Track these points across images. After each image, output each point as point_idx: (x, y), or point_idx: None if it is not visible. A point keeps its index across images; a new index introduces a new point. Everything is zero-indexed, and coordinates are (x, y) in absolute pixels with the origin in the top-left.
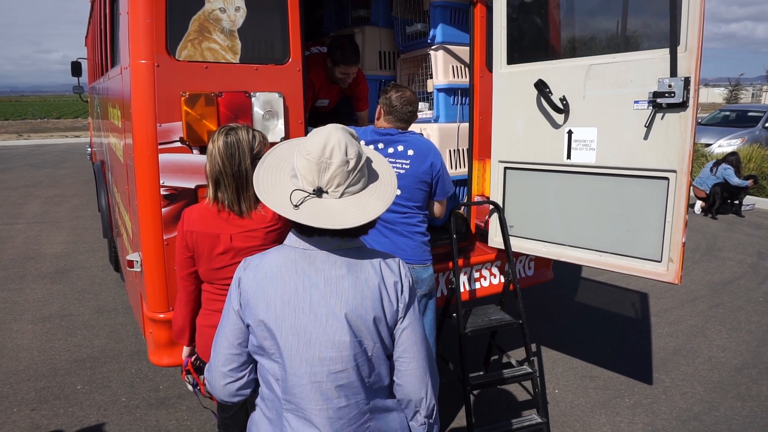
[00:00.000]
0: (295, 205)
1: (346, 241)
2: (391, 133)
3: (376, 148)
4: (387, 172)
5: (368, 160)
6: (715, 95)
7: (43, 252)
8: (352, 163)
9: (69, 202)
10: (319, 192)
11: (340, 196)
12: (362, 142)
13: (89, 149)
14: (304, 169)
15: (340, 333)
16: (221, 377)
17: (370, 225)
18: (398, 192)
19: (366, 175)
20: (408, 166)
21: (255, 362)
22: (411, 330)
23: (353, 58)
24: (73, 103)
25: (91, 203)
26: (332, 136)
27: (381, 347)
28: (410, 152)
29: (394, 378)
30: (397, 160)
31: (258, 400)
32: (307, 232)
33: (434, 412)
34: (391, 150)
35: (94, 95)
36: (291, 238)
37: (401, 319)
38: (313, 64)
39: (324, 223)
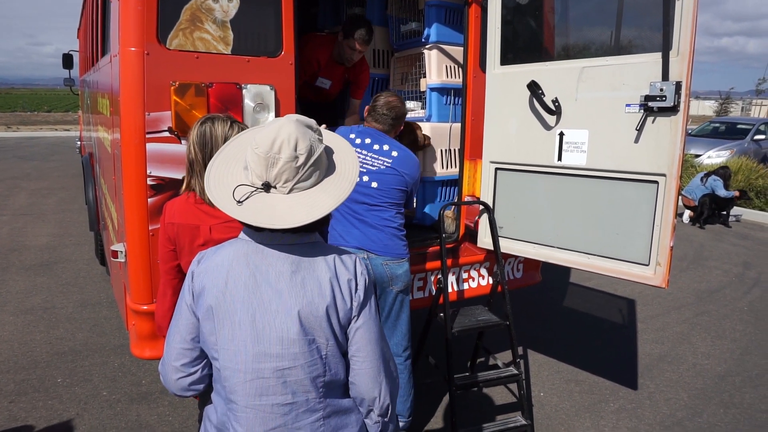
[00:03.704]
0: (239, 201)
1: (300, 236)
2: (381, 134)
3: (363, 142)
4: (349, 163)
5: (329, 151)
6: (706, 108)
7: (28, 244)
8: (301, 159)
9: (56, 195)
10: (267, 187)
11: (289, 192)
12: (326, 132)
13: (78, 142)
14: (253, 162)
15: (289, 329)
16: (173, 372)
17: (325, 220)
18: (374, 185)
19: (321, 168)
20: (389, 164)
21: (208, 357)
22: (365, 329)
23: (366, 36)
24: (64, 97)
25: (78, 196)
26: (283, 130)
27: (335, 345)
28: (394, 153)
29: (349, 377)
30: (380, 157)
31: (213, 395)
32: (256, 228)
33: (389, 411)
34: (376, 147)
35: (84, 87)
36: (245, 232)
37: (355, 318)
38: (320, 44)
39: (264, 222)
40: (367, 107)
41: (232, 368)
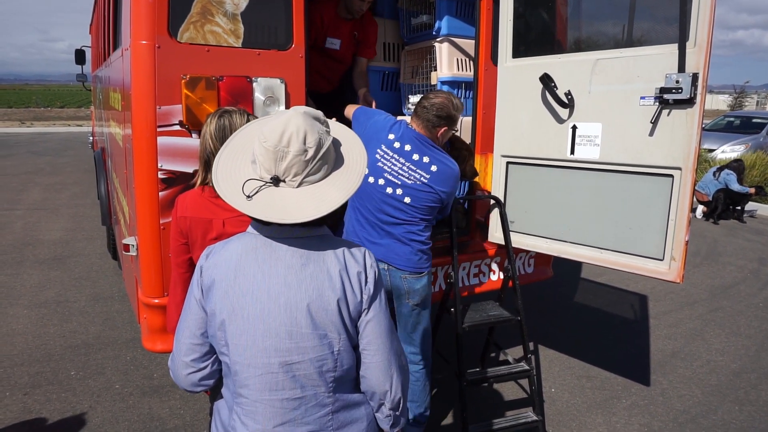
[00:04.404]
0: (248, 196)
1: (309, 230)
2: (424, 141)
3: (402, 148)
4: (356, 155)
5: (336, 143)
6: (720, 102)
7: (42, 238)
8: (310, 152)
9: (69, 190)
10: (276, 181)
11: (298, 186)
12: (333, 123)
13: (91, 138)
14: (261, 156)
15: (299, 323)
16: (183, 367)
17: (334, 213)
18: (407, 200)
19: (329, 161)
20: (425, 181)
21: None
22: (375, 322)
23: None
24: (76, 93)
25: (91, 191)
26: (291, 123)
27: (347, 339)
28: (433, 168)
29: (360, 370)
30: (418, 170)
31: (223, 389)
32: (264, 221)
33: (400, 405)
34: (416, 157)
35: (96, 83)
36: (253, 226)
37: (365, 311)
38: (322, 1)
39: (274, 217)
40: (415, 107)
41: (242, 363)
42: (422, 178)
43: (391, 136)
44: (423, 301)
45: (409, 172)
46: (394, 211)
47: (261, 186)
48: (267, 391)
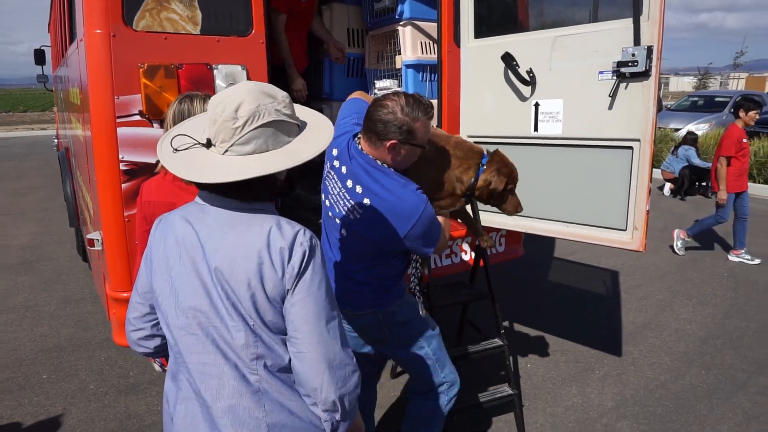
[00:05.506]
0: (175, 149)
1: (238, 203)
2: (364, 162)
3: (340, 168)
4: (312, 143)
5: (302, 126)
6: (685, 84)
7: (8, 243)
8: (239, 122)
9: (35, 194)
10: (208, 143)
11: (224, 153)
12: (303, 108)
13: (56, 140)
14: (206, 118)
15: (212, 287)
16: (128, 324)
17: (272, 191)
18: (344, 233)
19: (268, 138)
20: (358, 216)
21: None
22: (302, 306)
23: None
24: (39, 96)
25: (58, 194)
26: (233, 91)
27: (259, 320)
28: (366, 201)
29: (291, 362)
30: (351, 200)
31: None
32: (199, 185)
33: (337, 407)
34: (349, 183)
35: (57, 83)
36: (199, 195)
37: (290, 292)
38: None
39: (184, 173)
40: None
41: (171, 324)
42: (355, 212)
43: (335, 151)
44: (375, 338)
45: (344, 201)
46: (336, 241)
47: (193, 144)
48: (189, 353)
